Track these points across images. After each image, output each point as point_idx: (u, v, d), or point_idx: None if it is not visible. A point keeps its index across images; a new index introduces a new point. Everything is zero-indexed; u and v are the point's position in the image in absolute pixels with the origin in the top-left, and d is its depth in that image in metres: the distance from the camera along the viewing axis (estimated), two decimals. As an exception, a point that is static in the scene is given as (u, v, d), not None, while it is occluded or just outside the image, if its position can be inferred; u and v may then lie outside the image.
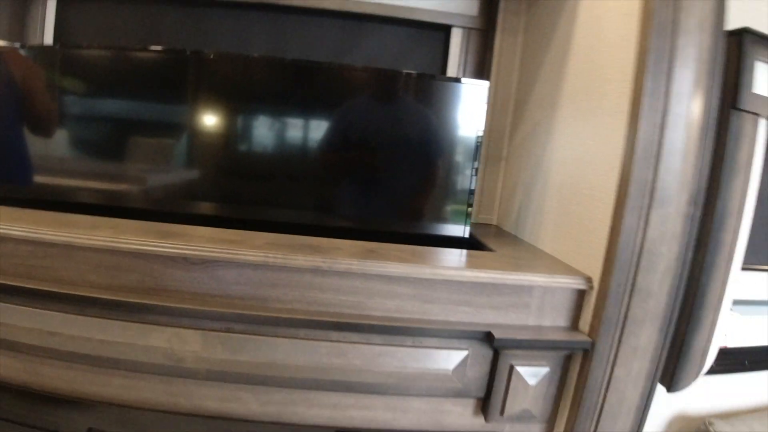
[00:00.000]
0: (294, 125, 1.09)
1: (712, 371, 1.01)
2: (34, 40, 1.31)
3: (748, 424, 1.05)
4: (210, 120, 1.08)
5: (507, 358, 0.87)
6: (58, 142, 1.10)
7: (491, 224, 1.36)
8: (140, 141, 1.11)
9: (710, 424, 1.03)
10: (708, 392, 1.07)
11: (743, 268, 0.91)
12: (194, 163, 1.11)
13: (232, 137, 1.08)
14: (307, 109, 1.09)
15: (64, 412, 0.93)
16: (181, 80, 1.08)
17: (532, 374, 0.88)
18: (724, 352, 1.07)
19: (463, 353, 0.86)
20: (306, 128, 1.09)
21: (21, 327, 0.84)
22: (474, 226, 1.19)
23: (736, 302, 0.95)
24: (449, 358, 0.86)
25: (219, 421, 0.90)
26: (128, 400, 0.90)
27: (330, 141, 1.07)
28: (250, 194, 1.11)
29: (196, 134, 1.09)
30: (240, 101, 1.08)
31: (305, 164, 1.10)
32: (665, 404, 1.05)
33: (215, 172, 1.10)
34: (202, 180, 1.10)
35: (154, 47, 1.12)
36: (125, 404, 0.91)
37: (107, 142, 1.11)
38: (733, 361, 1.13)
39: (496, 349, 0.86)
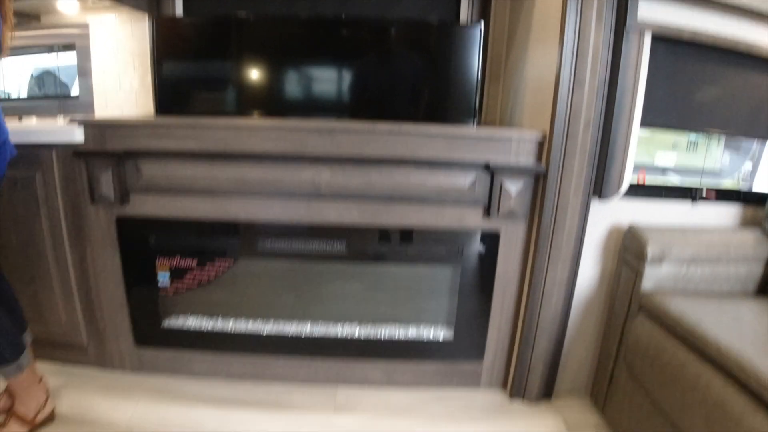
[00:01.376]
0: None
1: (635, 195, 1.59)
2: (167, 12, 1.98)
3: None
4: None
5: (498, 178, 1.53)
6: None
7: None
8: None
9: (634, 227, 1.59)
10: (635, 210, 1.63)
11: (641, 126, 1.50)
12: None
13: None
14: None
15: (243, 236, 1.63)
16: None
17: (513, 186, 1.54)
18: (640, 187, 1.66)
19: (473, 176, 1.53)
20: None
21: (220, 178, 1.52)
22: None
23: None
24: (465, 180, 1.53)
25: (337, 230, 1.59)
26: (284, 218, 1.60)
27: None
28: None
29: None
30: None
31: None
32: (603, 217, 1.61)
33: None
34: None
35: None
36: (282, 222, 1.60)
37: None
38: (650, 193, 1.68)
39: (492, 173, 1.52)
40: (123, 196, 1.55)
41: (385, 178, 1.47)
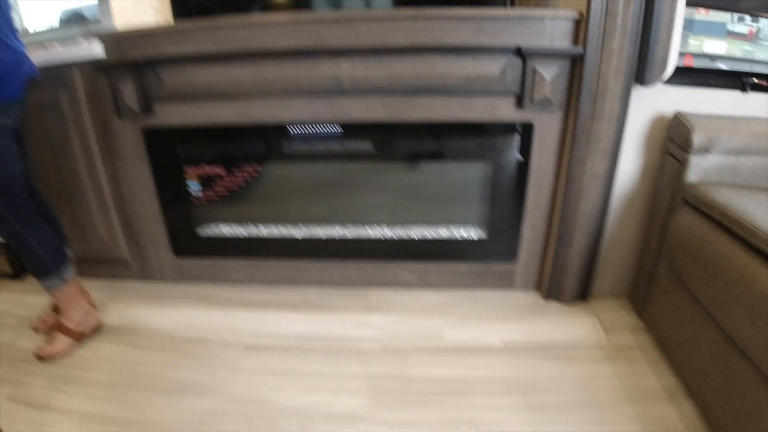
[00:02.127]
0: None
1: (680, 83, 1.41)
2: None
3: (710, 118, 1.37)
4: None
5: (531, 63, 1.39)
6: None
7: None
8: None
9: (680, 114, 1.40)
10: (679, 97, 1.44)
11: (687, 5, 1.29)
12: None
13: None
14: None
15: (268, 140, 1.56)
16: None
17: (547, 72, 1.40)
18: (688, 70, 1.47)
19: (504, 62, 1.39)
20: None
21: (240, 79, 1.43)
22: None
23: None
24: (495, 66, 1.39)
25: (359, 127, 1.50)
26: (307, 118, 1.52)
27: None
28: None
29: None
30: None
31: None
32: (645, 105, 1.44)
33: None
34: None
35: None
36: (305, 120, 1.52)
37: None
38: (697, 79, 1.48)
39: (524, 58, 1.38)
40: (147, 107, 1.51)
41: (410, 68, 1.36)
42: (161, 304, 1.68)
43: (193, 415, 1.26)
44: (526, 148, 1.47)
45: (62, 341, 1.45)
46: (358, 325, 1.55)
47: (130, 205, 1.65)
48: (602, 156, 1.43)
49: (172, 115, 1.51)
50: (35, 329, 1.54)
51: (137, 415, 1.27)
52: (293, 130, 1.51)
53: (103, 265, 1.77)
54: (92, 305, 1.53)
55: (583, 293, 1.64)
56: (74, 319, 1.46)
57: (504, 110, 1.44)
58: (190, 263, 1.73)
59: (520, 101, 1.41)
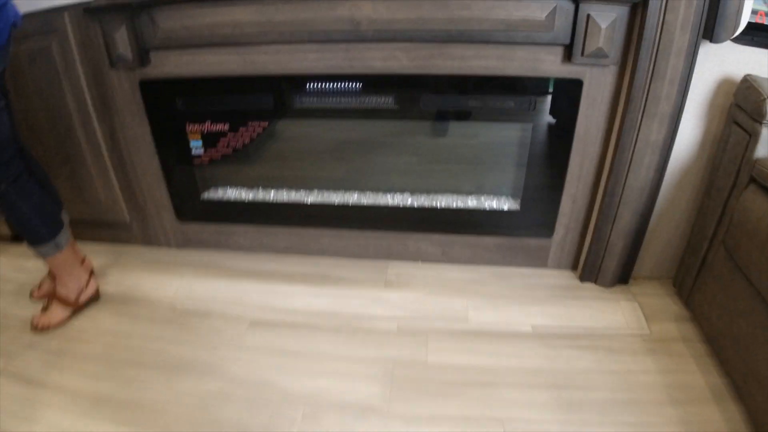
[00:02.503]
0: None
1: (751, 42, 1.17)
2: None
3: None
4: None
5: (584, 8, 1.14)
6: None
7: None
8: None
9: (751, 78, 1.21)
10: (748, 59, 1.19)
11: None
12: None
13: None
14: None
15: (276, 93, 1.35)
16: None
17: (603, 19, 1.15)
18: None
19: (551, 5, 1.14)
20: None
21: (242, 22, 1.22)
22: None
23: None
24: (542, 10, 1.15)
25: (380, 79, 1.27)
26: (320, 69, 1.29)
27: None
28: None
29: None
30: None
31: None
32: (711, 65, 1.20)
33: None
34: None
35: None
36: (318, 73, 1.30)
37: None
38: None
39: (576, 0, 1.13)
40: (142, 56, 1.31)
41: (440, 9, 1.13)
42: (164, 272, 1.54)
43: (191, 398, 1.14)
44: (572, 109, 1.24)
45: (58, 311, 1.33)
46: (375, 302, 1.38)
47: (130, 165, 1.48)
48: (660, 121, 1.20)
49: (170, 65, 1.32)
50: (32, 296, 1.40)
51: (132, 394, 1.15)
52: (304, 83, 1.29)
53: (104, 228, 1.63)
54: (91, 272, 1.39)
55: (623, 276, 1.45)
56: (71, 287, 1.33)
57: (549, 63, 1.20)
58: (194, 228, 1.58)
59: (568, 53, 1.17)
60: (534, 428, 1.05)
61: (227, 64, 1.29)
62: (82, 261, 1.39)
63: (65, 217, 1.33)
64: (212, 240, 1.60)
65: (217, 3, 1.21)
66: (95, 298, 1.41)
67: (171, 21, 1.25)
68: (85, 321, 1.37)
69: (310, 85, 1.31)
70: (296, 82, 1.31)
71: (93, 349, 1.28)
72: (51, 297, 1.35)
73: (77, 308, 1.36)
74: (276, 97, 1.34)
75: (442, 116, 1.35)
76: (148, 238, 1.63)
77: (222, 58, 1.29)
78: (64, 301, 1.33)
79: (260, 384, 1.16)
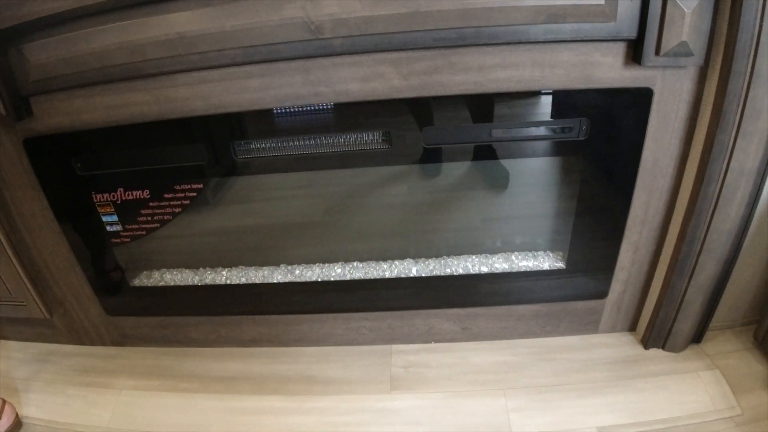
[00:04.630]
0: None
1: None
2: None
3: None
4: None
5: None
6: None
7: None
8: None
9: None
10: None
11: None
12: None
13: None
14: None
15: (208, 141, 0.83)
16: None
17: (687, 3, 0.64)
18: None
19: None
20: None
21: (145, 42, 0.70)
22: None
23: None
24: None
25: (358, 108, 0.75)
26: (268, 101, 0.77)
27: None
28: None
29: None
30: None
31: None
32: None
33: None
34: None
35: None
36: (265, 107, 0.78)
37: None
38: None
39: None
40: (19, 106, 0.77)
41: (444, 0, 0.59)
42: (97, 384, 1.04)
43: None
44: (637, 130, 0.74)
45: None
46: (379, 415, 0.88)
47: (35, 250, 0.98)
48: (759, 141, 0.72)
49: (58, 114, 0.80)
50: None
51: None
52: (248, 122, 0.76)
53: (23, 326, 1.10)
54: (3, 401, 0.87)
55: (697, 335, 0.94)
56: None
57: (606, 68, 0.70)
58: (130, 323, 1.05)
59: (637, 51, 0.65)
60: None
61: (134, 106, 0.77)
62: None
63: None
64: (156, 335, 1.07)
65: (103, 19, 0.67)
66: (17, 426, 0.88)
67: (44, 53, 0.73)
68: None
69: (257, 126, 0.77)
70: (235, 121, 0.77)
71: None
72: None
73: None
74: (208, 146, 0.81)
75: (452, 153, 0.82)
76: (77, 336, 1.11)
77: (126, 99, 0.77)
78: None
79: None
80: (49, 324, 1.12)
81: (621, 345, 1.03)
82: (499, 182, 0.90)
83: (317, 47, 0.71)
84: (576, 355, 1.00)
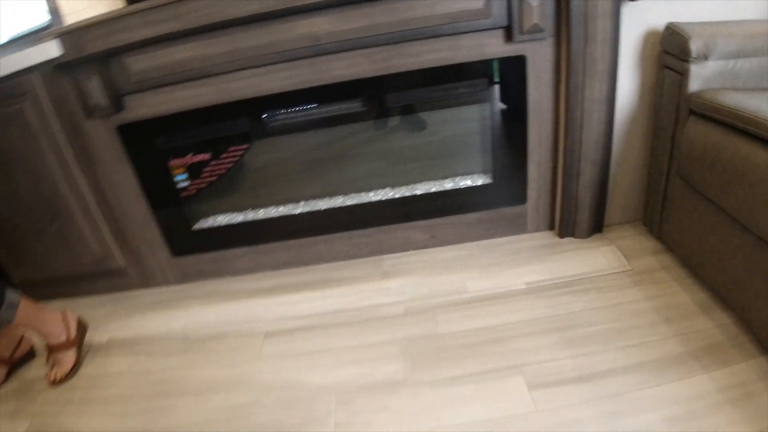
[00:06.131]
0: None
1: None
2: None
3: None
4: None
5: None
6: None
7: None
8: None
9: (673, 25, 1.33)
10: (667, 10, 1.38)
11: None
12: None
13: None
14: None
15: (251, 115, 1.49)
16: None
17: None
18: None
19: None
20: None
21: (211, 54, 1.35)
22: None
23: None
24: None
25: (346, 85, 1.42)
26: (290, 85, 1.43)
27: None
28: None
29: None
30: None
31: None
32: (635, 22, 1.39)
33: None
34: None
35: None
36: (288, 88, 1.44)
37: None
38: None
39: None
40: (117, 102, 1.42)
41: (390, 14, 1.30)
42: (169, 308, 1.61)
43: (224, 412, 1.21)
44: (521, 83, 1.42)
45: (65, 358, 1.38)
46: (377, 292, 1.50)
47: (119, 211, 1.56)
48: (600, 79, 1.39)
49: (145, 106, 1.43)
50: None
51: (165, 422, 1.21)
52: (277, 101, 1.42)
53: (99, 279, 1.68)
54: (59, 311, 1.45)
55: (597, 226, 1.61)
56: (55, 331, 1.40)
57: (493, 46, 1.38)
58: (191, 261, 1.66)
59: (509, 33, 1.35)
60: (549, 366, 1.18)
61: (202, 96, 1.41)
62: (43, 308, 1.42)
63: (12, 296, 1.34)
64: (210, 269, 1.68)
65: (182, 41, 1.34)
66: (83, 326, 1.50)
67: (141, 63, 1.37)
68: (98, 368, 1.43)
69: (283, 102, 1.43)
70: (269, 101, 1.43)
71: (114, 391, 1.34)
72: (49, 352, 1.40)
73: (75, 343, 1.43)
74: (252, 118, 1.47)
75: (408, 108, 1.49)
76: (146, 280, 1.70)
77: (196, 91, 1.41)
78: (60, 347, 1.40)
79: (288, 386, 1.25)
80: (124, 274, 1.72)
81: (543, 238, 1.68)
82: (422, 127, 1.56)
83: (317, 49, 1.37)
84: (510, 246, 1.65)
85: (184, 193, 1.55)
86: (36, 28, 1.76)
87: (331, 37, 1.32)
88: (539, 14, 1.32)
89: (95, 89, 1.38)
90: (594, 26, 1.32)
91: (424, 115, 1.52)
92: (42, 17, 1.70)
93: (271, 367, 1.31)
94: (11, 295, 1.30)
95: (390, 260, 1.65)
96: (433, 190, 1.58)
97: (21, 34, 1.74)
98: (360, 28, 1.31)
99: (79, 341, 1.44)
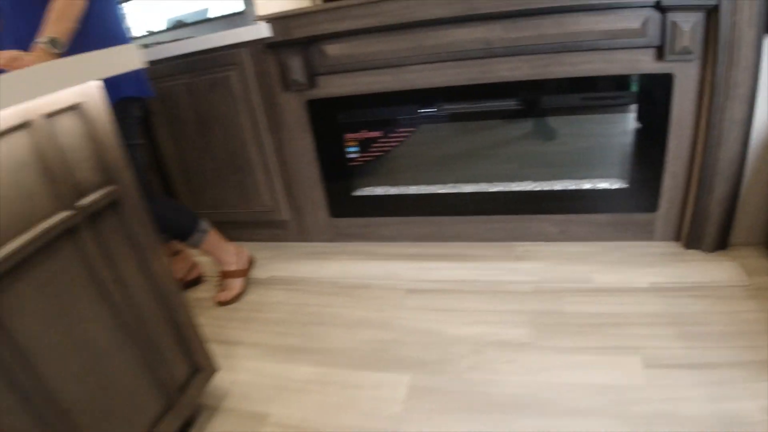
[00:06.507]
0: None
1: None
2: None
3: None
4: None
5: (670, 17, 1.66)
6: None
7: None
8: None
9: None
10: None
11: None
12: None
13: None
14: None
15: (421, 103, 1.91)
16: None
17: (686, 23, 1.65)
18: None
19: (644, 16, 1.67)
20: None
21: (397, 49, 1.78)
22: None
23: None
24: (637, 19, 1.67)
25: (506, 86, 1.82)
26: (458, 81, 1.85)
27: None
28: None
29: None
30: None
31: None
32: None
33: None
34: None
35: None
36: (456, 84, 1.86)
37: None
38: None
39: (663, 10, 1.66)
40: (311, 80, 1.89)
41: (557, 27, 1.66)
42: (321, 259, 2.07)
43: (371, 344, 1.59)
44: (666, 98, 1.72)
45: (234, 284, 1.87)
46: (509, 271, 1.85)
47: (293, 171, 2.05)
48: (740, 102, 1.65)
49: (333, 86, 1.89)
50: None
51: (319, 344, 1.62)
52: (443, 93, 1.83)
53: (264, 228, 2.19)
54: (234, 246, 1.94)
55: (722, 242, 1.85)
56: (230, 260, 1.88)
57: (645, 62, 1.70)
58: (345, 223, 2.11)
59: (660, 52, 1.67)
60: (664, 352, 1.43)
61: (381, 83, 1.86)
62: (225, 240, 1.91)
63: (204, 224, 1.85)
64: (359, 233, 2.13)
65: (376, 35, 1.80)
66: (253, 262, 2.01)
67: (339, 50, 1.84)
68: (261, 297, 1.89)
69: (448, 95, 1.85)
70: (437, 92, 1.84)
71: (275, 315, 1.78)
72: (221, 277, 1.89)
73: (245, 274, 1.92)
74: (420, 106, 1.90)
75: (558, 111, 1.87)
76: (303, 235, 2.19)
77: (377, 78, 1.86)
78: (233, 274, 1.89)
79: (427, 332, 1.61)
80: (285, 226, 2.21)
81: (668, 247, 1.95)
82: (552, 134, 1.91)
83: (487, 52, 1.78)
84: (636, 250, 1.93)
85: (352, 163, 2.01)
86: (232, 13, 2.33)
87: (502, 42, 1.72)
88: (690, 38, 1.63)
89: (296, 68, 1.87)
90: (738, 53, 1.60)
91: (570, 119, 1.88)
92: (238, 5, 2.30)
93: (411, 316, 1.69)
94: (203, 224, 1.80)
95: (522, 247, 2.00)
96: (571, 188, 1.91)
97: (220, 15, 2.33)
98: (528, 37, 1.70)
99: (247, 272, 1.92)
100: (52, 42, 1.23)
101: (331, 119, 1.94)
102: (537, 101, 1.80)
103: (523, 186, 1.94)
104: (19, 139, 0.89)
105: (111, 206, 1.07)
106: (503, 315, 1.65)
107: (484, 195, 1.96)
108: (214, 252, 1.86)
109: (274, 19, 1.85)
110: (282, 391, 1.46)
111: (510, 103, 1.81)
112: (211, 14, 2.46)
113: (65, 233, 0.96)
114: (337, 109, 1.92)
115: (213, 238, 1.85)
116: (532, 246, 1.98)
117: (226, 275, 1.89)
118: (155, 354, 1.17)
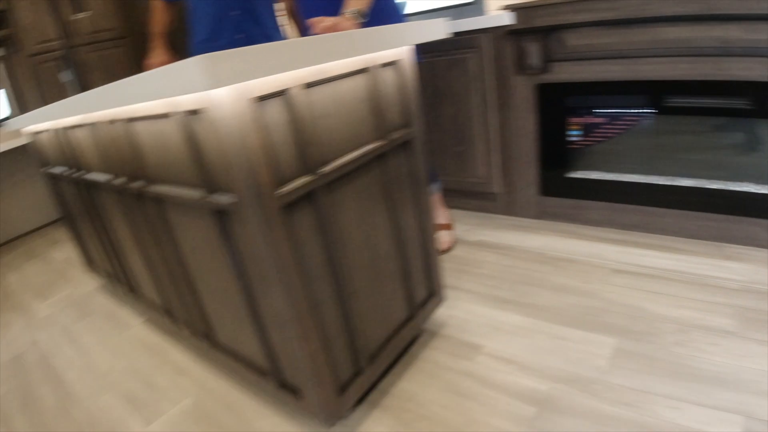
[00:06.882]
0: None
1: None
2: None
3: None
4: None
5: None
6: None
7: None
8: None
9: None
10: None
11: None
12: None
13: None
14: None
15: (651, 95, 2.18)
16: None
17: None
18: None
19: None
20: None
21: (632, 41, 2.08)
22: None
23: None
24: None
25: (738, 85, 2.04)
26: (690, 76, 2.09)
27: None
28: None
29: None
30: None
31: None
32: None
33: None
34: None
35: None
36: (686, 78, 2.12)
37: None
38: None
39: None
40: (545, 66, 2.27)
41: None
42: (527, 232, 2.45)
43: (577, 308, 1.90)
44: None
45: (443, 237, 2.32)
46: (717, 268, 2.05)
47: (512, 148, 2.45)
48: None
49: (564, 72, 2.24)
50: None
51: (527, 300, 1.96)
52: (672, 86, 2.07)
53: (473, 198, 2.62)
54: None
55: None
56: (440, 213, 2.35)
57: None
58: (553, 202, 2.47)
59: None
60: None
61: (612, 72, 2.17)
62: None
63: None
64: (565, 213, 2.48)
65: (613, 28, 2.13)
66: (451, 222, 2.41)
67: (576, 40, 2.19)
68: (470, 256, 2.30)
69: (678, 88, 2.11)
70: (667, 85, 2.09)
71: (485, 271, 2.17)
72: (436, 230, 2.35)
73: (450, 228, 2.37)
74: (648, 97, 2.19)
75: None
76: (509, 209, 2.58)
77: (608, 68, 2.17)
78: (444, 227, 2.34)
79: (632, 306, 1.88)
80: (495, 198, 2.62)
81: None
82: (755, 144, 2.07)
83: (723, 51, 2.03)
84: None
85: (571, 146, 2.37)
86: (460, 4, 2.80)
87: (739, 42, 1.94)
88: None
89: (533, 53, 2.26)
90: None
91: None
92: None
93: (617, 291, 1.98)
94: (436, 184, 2.28)
95: (731, 248, 2.15)
96: (797, 193, 2.08)
97: (448, 5, 2.81)
98: (759, 40, 1.92)
99: (451, 227, 2.37)
100: (358, 12, 1.73)
101: (557, 103, 2.30)
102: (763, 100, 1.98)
103: (739, 186, 2.10)
104: (361, 80, 1.36)
105: (404, 145, 1.54)
106: (709, 305, 1.85)
107: (701, 191, 2.15)
108: (435, 207, 2.33)
109: (518, 9, 2.24)
110: (494, 330, 1.84)
111: (741, 103, 2.03)
112: (438, 4, 2.97)
113: (377, 158, 1.43)
114: (564, 93, 2.27)
115: (438, 198, 2.33)
116: (742, 249, 2.14)
117: (438, 227, 2.35)
118: (410, 271, 1.63)
